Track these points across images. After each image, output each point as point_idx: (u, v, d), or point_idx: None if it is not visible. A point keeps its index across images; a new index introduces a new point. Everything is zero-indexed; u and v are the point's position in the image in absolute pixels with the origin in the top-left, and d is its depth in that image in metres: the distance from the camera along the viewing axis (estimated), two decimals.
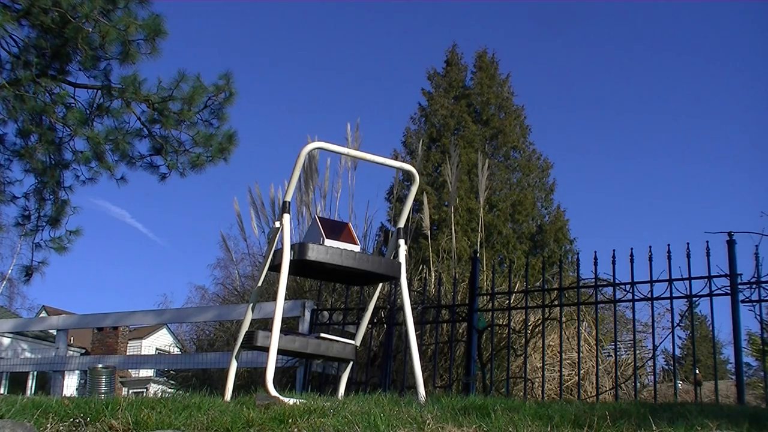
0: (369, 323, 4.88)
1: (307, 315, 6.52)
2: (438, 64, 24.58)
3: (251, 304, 3.97)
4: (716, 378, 5.26)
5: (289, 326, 6.58)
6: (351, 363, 4.32)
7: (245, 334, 3.80)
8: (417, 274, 7.77)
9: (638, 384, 6.08)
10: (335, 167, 9.83)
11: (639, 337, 6.87)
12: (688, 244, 5.33)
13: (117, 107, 8.32)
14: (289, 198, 3.79)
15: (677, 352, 6.69)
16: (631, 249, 5.52)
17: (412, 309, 4.38)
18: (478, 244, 10.10)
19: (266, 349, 3.56)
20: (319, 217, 4.01)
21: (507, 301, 6.22)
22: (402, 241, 4.02)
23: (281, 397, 3.28)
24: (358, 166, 9.70)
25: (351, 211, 9.74)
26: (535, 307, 6.28)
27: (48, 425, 2.77)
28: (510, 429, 2.66)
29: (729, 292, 5.22)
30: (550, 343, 6.76)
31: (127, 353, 27.79)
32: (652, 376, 6.50)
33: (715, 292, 5.26)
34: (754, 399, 6.94)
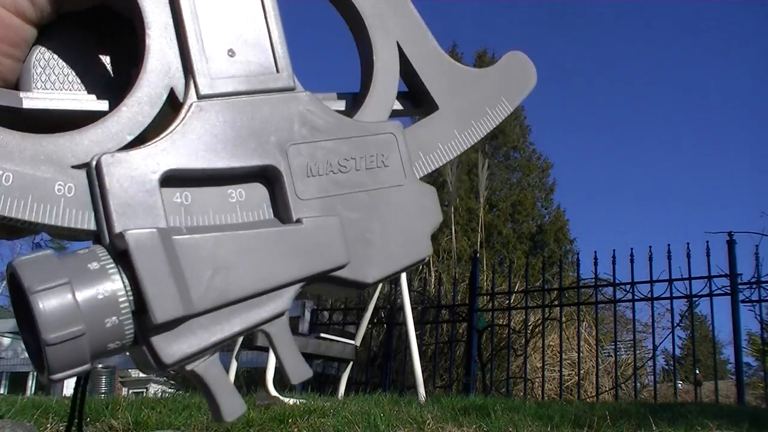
0: (369, 323, 4.88)
1: (307, 315, 6.53)
2: None
3: None
4: (716, 378, 5.27)
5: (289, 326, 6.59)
6: (351, 363, 4.32)
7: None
8: (417, 274, 7.77)
9: (638, 384, 6.08)
10: None
11: (639, 337, 6.88)
12: (688, 244, 5.34)
13: None
14: None
15: (677, 352, 6.69)
16: (631, 249, 5.53)
17: (412, 309, 4.38)
18: (478, 244, 10.11)
19: (266, 349, 3.56)
20: None
21: (507, 301, 6.22)
22: None
23: (281, 397, 3.29)
24: None
25: None
26: (535, 307, 6.28)
27: (48, 425, 2.78)
28: (510, 429, 2.66)
29: (729, 292, 5.22)
30: (550, 343, 6.76)
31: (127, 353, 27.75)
32: (652, 376, 6.51)
33: (715, 292, 5.27)
34: (754, 399, 6.94)
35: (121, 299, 0.36)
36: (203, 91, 0.42)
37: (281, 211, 0.43)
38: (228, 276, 0.39)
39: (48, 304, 0.34)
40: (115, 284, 0.36)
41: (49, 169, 0.39)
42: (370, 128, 0.47)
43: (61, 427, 2.77)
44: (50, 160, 0.39)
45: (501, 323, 6.43)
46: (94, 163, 0.39)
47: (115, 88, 0.46)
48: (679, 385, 7.45)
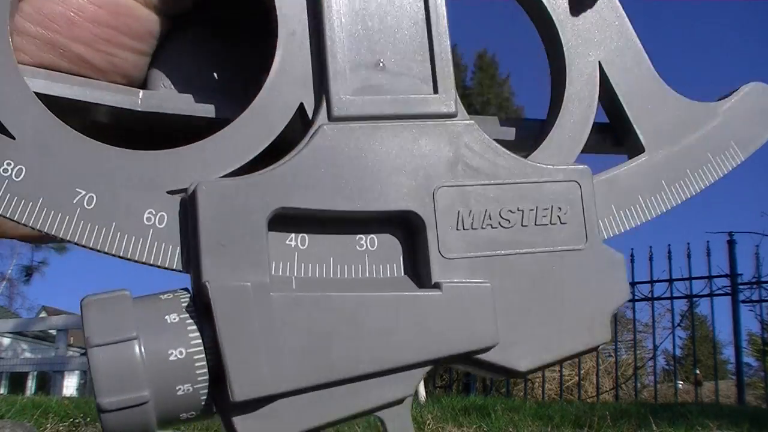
0: None
1: None
2: None
3: None
4: (716, 378, 5.28)
5: None
6: None
7: None
8: None
9: (638, 384, 6.08)
10: None
11: (639, 337, 6.87)
12: (688, 244, 5.34)
13: None
14: None
15: (677, 352, 6.70)
16: (632, 249, 5.53)
17: None
18: None
19: None
20: None
21: None
22: None
23: None
24: None
25: None
26: None
27: (48, 425, 2.78)
28: (510, 429, 2.66)
29: (729, 292, 5.22)
30: None
31: None
32: (653, 376, 6.51)
33: (715, 292, 5.27)
34: (754, 399, 6.94)
35: (198, 364, 0.29)
36: (337, 111, 0.34)
37: (419, 270, 0.34)
38: (337, 349, 0.31)
39: (107, 362, 0.28)
40: (192, 345, 0.29)
41: (140, 192, 0.32)
42: (548, 173, 0.36)
43: (61, 427, 2.78)
44: (144, 182, 0.32)
45: None
46: (191, 190, 0.31)
47: (241, 96, 0.38)
48: (680, 385, 7.45)
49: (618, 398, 5.65)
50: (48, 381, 8.67)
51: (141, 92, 0.37)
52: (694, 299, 5.44)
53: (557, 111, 0.39)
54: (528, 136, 0.41)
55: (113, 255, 0.31)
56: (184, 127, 0.36)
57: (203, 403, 0.30)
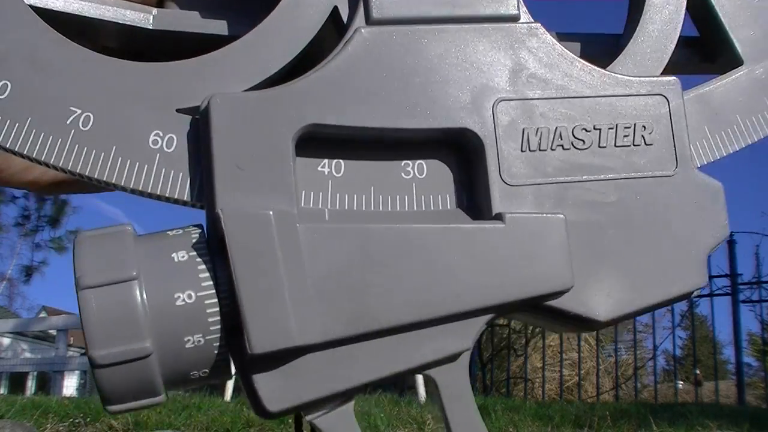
0: None
1: None
2: None
3: None
4: (716, 378, 5.28)
5: None
6: None
7: None
8: None
9: (639, 384, 6.08)
10: None
11: (639, 337, 6.88)
12: None
13: None
14: None
15: (677, 352, 6.70)
16: None
17: None
18: None
19: None
20: None
21: None
22: None
23: None
24: None
25: None
26: None
27: (48, 425, 2.78)
28: (510, 429, 2.66)
29: (729, 292, 5.22)
30: (551, 343, 6.76)
31: None
32: (653, 377, 6.51)
33: (715, 292, 5.27)
34: (754, 399, 6.94)
35: (209, 310, 0.25)
36: (376, 13, 0.28)
37: (478, 200, 0.28)
38: (377, 292, 0.25)
39: (101, 307, 0.23)
40: (203, 287, 0.25)
41: (145, 111, 0.27)
42: (630, 85, 0.30)
43: (61, 427, 2.78)
44: (150, 99, 0.27)
45: (501, 323, 6.43)
46: (203, 105, 0.26)
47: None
48: (680, 385, 7.45)
49: (618, 398, 5.65)
50: (48, 381, 8.67)
51: (155, 10, 0.32)
52: (694, 299, 5.44)
53: (637, 20, 0.32)
54: (598, 54, 0.33)
55: (113, 185, 0.26)
56: (200, 49, 0.30)
57: (217, 358, 0.25)
